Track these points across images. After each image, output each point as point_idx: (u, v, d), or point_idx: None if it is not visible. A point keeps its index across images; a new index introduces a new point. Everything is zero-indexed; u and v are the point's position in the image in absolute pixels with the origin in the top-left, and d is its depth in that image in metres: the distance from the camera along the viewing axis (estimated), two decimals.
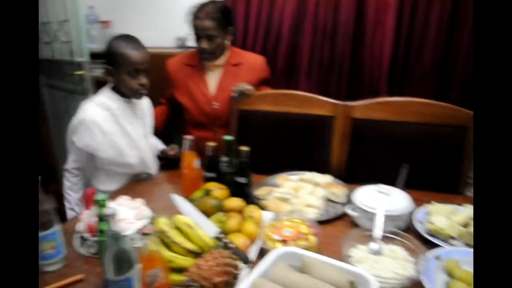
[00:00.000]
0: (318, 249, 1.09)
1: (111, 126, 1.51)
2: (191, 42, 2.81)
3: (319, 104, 1.64)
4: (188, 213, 1.11)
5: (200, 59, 1.90)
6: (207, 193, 1.24)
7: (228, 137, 1.29)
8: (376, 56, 2.48)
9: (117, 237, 0.86)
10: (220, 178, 1.32)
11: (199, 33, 1.80)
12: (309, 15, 2.53)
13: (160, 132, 1.96)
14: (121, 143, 1.53)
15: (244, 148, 1.28)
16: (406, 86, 2.50)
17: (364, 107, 1.60)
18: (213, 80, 1.92)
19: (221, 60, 1.90)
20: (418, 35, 2.39)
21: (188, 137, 1.32)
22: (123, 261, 0.86)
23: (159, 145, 1.83)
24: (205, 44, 1.80)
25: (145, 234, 0.87)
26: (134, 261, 0.87)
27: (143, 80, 1.51)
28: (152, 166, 1.69)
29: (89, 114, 1.49)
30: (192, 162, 1.33)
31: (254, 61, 1.94)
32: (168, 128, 2.13)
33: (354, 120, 1.61)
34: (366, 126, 1.60)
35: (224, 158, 1.31)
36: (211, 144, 1.32)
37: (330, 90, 2.61)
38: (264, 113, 1.71)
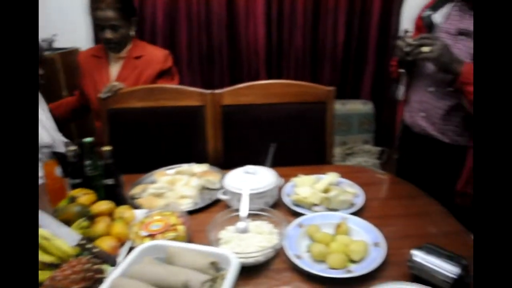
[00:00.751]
0: (189, 238, 1.10)
1: None
2: (60, 43, 2.63)
3: (188, 95, 1.65)
4: (46, 225, 1.04)
5: (107, 50, 1.91)
6: (72, 200, 1.18)
7: (87, 139, 1.22)
8: (252, 44, 2.57)
9: None
10: (87, 183, 1.26)
11: (102, 24, 1.80)
12: (182, 6, 2.53)
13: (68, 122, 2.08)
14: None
15: (106, 148, 1.23)
16: (284, 70, 2.64)
17: (231, 93, 1.64)
18: (115, 71, 1.94)
19: (123, 52, 1.92)
20: (287, 21, 2.54)
21: (45, 144, 1.23)
22: None
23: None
24: (109, 34, 1.81)
25: None
26: None
27: (41, 71, 1.61)
28: (60, 147, 1.68)
29: None
30: (53, 171, 1.25)
31: (155, 54, 1.96)
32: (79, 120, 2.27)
33: (224, 107, 1.65)
34: (236, 111, 1.65)
35: (88, 162, 1.25)
36: (72, 148, 1.25)
37: (214, 81, 2.65)
38: (136, 110, 1.67)
